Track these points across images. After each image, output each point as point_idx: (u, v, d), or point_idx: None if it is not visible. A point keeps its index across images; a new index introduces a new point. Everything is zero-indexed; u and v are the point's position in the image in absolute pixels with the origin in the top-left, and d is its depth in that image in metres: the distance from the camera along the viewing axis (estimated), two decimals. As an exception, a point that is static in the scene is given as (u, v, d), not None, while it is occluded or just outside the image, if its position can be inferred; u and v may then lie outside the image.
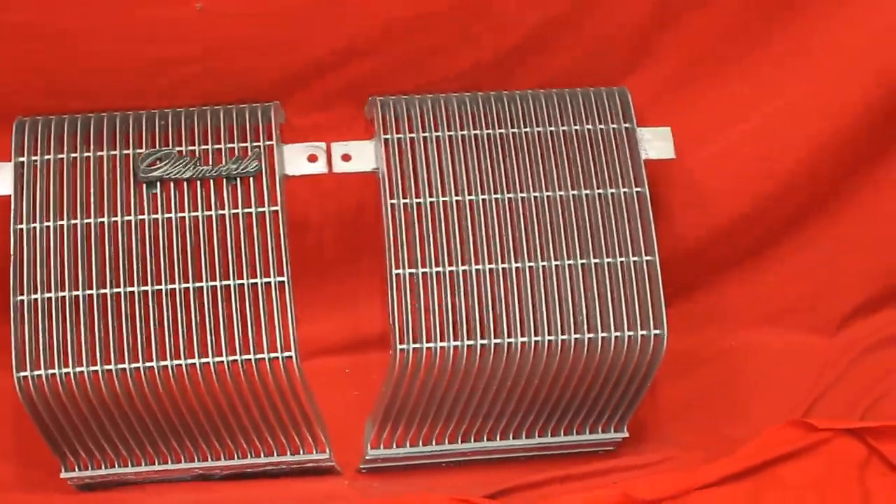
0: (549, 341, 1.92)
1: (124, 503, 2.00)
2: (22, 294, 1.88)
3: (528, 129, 2.00)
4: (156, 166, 1.94)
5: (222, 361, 1.89)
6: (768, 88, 2.14)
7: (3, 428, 2.10)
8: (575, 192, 1.97)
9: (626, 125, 2.01)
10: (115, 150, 1.95)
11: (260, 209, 1.93)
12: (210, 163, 1.95)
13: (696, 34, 2.10)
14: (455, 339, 1.92)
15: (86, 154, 1.95)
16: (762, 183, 2.17)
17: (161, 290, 1.90)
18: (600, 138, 2.00)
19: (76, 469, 1.98)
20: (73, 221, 1.91)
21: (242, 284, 1.91)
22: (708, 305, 2.27)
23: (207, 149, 1.96)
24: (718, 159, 2.16)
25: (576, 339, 1.93)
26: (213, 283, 1.90)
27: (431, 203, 1.95)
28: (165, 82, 2.00)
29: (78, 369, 1.87)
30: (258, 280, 1.91)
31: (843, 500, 1.98)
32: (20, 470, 2.06)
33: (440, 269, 1.93)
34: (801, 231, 2.25)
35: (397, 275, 1.92)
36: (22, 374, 1.86)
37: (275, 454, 2.01)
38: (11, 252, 1.89)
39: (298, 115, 2.06)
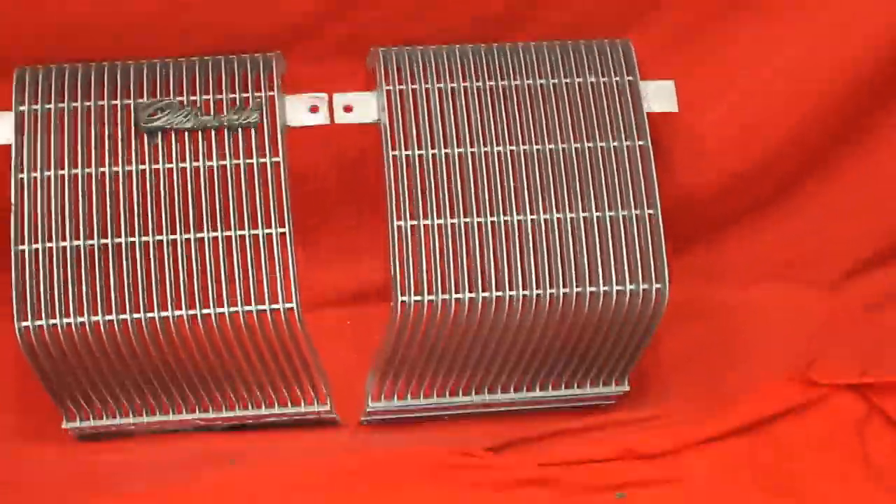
0: (551, 294, 1.92)
1: (125, 453, 2.01)
2: (23, 243, 1.88)
3: (530, 81, 2.00)
4: (157, 116, 1.94)
5: (223, 312, 1.89)
6: (770, 45, 2.14)
7: (5, 378, 2.11)
8: (577, 145, 1.97)
9: (629, 78, 2.00)
10: (117, 99, 1.95)
11: (261, 160, 1.93)
12: (211, 113, 1.94)
13: None
14: (456, 292, 1.92)
15: (87, 104, 1.94)
16: (764, 138, 2.17)
17: (162, 240, 1.90)
18: (603, 91, 1.99)
19: (77, 419, 1.99)
20: (73, 171, 1.91)
21: (244, 235, 1.90)
22: (709, 260, 2.27)
23: (209, 99, 1.95)
24: (720, 115, 2.16)
25: (577, 292, 1.93)
26: (214, 234, 1.90)
27: (433, 155, 1.95)
28: (167, 32, 2.00)
29: (79, 319, 1.87)
30: (259, 231, 1.90)
31: (843, 456, 1.99)
32: (22, 419, 2.06)
33: (441, 220, 1.93)
34: (802, 187, 2.25)
35: (398, 226, 1.92)
36: (23, 323, 1.86)
37: (276, 406, 2.01)
38: (12, 201, 1.89)
39: (300, 66, 2.05)
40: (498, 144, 1.96)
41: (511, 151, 1.96)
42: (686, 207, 2.18)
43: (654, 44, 2.11)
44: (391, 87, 1.98)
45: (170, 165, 1.92)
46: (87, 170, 1.91)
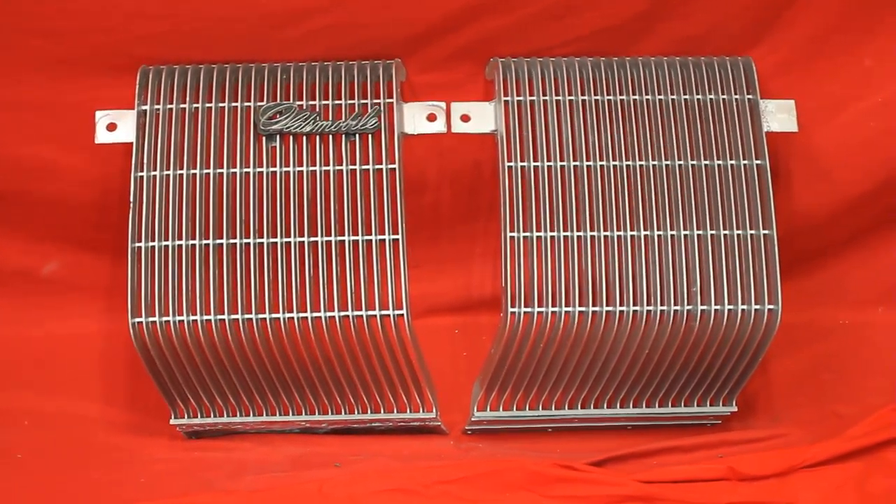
0: (662, 311, 1.91)
1: (231, 451, 2.03)
2: (140, 241, 1.91)
3: (649, 97, 1.99)
4: (276, 119, 1.95)
5: (333, 316, 1.90)
6: (894, 64, 2.10)
7: (117, 373, 2.14)
8: (694, 162, 1.96)
9: (749, 96, 1.99)
10: (237, 101, 1.97)
11: (377, 166, 1.94)
12: (330, 118, 1.96)
13: (823, 7, 2.07)
14: (566, 305, 1.91)
15: (207, 105, 1.97)
16: (885, 159, 2.14)
17: (276, 242, 1.91)
18: (722, 108, 1.98)
19: (185, 416, 2.01)
20: (192, 171, 1.93)
21: (357, 240, 1.92)
22: (823, 282, 2.24)
23: (328, 104, 1.97)
24: (841, 134, 2.13)
25: (688, 310, 1.92)
26: (327, 238, 1.92)
27: (549, 167, 1.94)
28: (290, 35, 2.01)
29: (192, 318, 1.89)
30: (373, 237, 1.92)
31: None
32: (131, 414, 2.09)
33: (555, 233, 1.92)
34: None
35: (511, 237, 1.92)
36: (136, 319, 1.89)
37: (381, 411, 2.02)
38: (131, 199, 1.92)
39: (419, 73, 2.07)
40: (614, 159, 1.95)
41: (627, 166, 1.95)
42: (801, 228, 2.16)
43: (774, 61, 2.09)
44: (510, 98, 1.98)
45: (287, 169, 1.94)
46: (205, 170, 1.93)
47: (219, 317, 1.89)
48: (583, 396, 2.02)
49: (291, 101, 1.97)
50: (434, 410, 2.02)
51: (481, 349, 2.03)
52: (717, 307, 1.92)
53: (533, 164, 1.94)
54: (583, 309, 1.91)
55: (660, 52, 2.05)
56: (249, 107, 1.96)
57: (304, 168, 1.94)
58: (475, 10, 2.01)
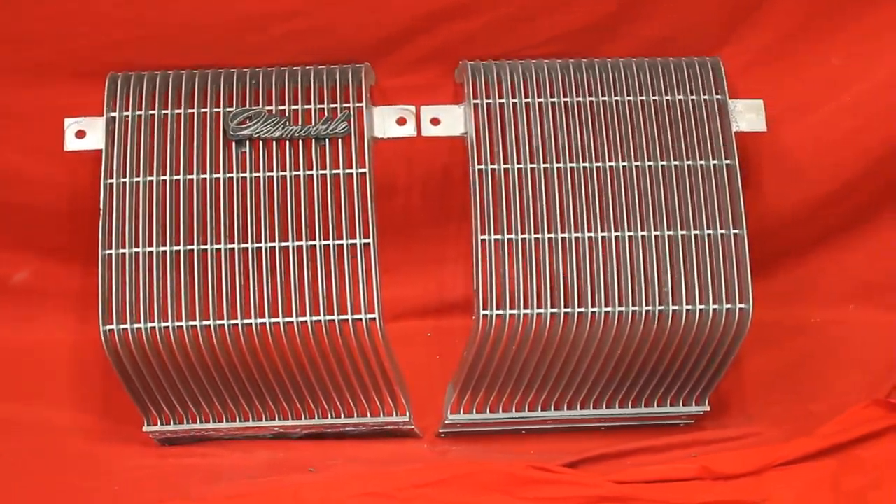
0: (633, 312, 1.92)
1: (205, 458, 2.03)
2: (110, 248, 1.90)
3: (618, 98, 1.99)
4: (246, 125, 1.95)
5: (306, 321, 1.90)
6: (862, 63, 2.12)
7: (89, 381, 2.13)
8: (664, 163, 1.96)
9: (718, 96, 1.99)
10: (206, 107, 1.97)
11: (348, 171, 1.94)
12: (299, 123, 1.96)
13: (791, 7, 2.08)
14: (538, 307, 1.91)
15: (177, 111, 1.96)
16: (854, 158, 2.15)
17: (247, 248, 1.91)
18: (691, 109, 1.99)
19: (158, 423, 2.00)
20: (162, 177, 1.93)
21: (328, 245, 1.92)
22: (795, 280, 2.25)
23: (297, 109, 1.97)
24: (810, 134, 2.14)
25: (660, 310, 1.92)
26: (299, 243, 1.92)
27: (519, 169, 1.95)
28: (258, 40, 2.02)
29: (163, 324, 1.89)
30: (344, 241, 1.92)
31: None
32: (104, 422, 2.09)
33: (526, 235, 1.93)
34: (890, 208, 2.22)
35: (483, 240, 1.92)
36: (108, 327, 1.88)
37: (355, 415, 2.02)
38: (101, 206, 1.91)
39: (389, 77, 2.07)
40: (584, 160, 1.95)
41: (597, 168, 1.95)
42: (772, 227, 2.17)
43: (743, 61, 2.10)
44: (479, 101, 1.98)
45: (257, 174, 1.94)
46: (175, 176, 1.93)
47: (191, 323, 1.89)
48: (556, 398, 2.03)
49: (261, 106, 1.97)
50: (408, 414, 2.02)
51: (454, 352, 2.03)
52: (689, 307, 1.92)
53: (503, 166, 1.95)
54: (555, 311, 1.91)
55: (629, 54, 2.05)
56: (219, 112, 1.96)
57: (274, 173, 1.94)
58: (444, 13, 2.02)
